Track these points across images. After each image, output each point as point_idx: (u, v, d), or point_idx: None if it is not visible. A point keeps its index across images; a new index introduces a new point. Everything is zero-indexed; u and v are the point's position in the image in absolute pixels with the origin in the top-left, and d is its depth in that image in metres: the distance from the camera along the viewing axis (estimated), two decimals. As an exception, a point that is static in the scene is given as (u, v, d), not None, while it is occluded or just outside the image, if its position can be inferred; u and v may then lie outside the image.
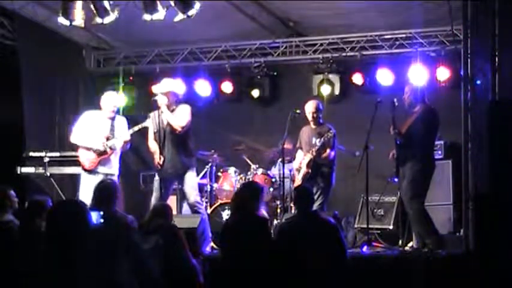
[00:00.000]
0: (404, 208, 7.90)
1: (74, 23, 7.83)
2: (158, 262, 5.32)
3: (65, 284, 3.87)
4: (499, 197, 6.67)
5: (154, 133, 7.99)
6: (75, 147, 8.48)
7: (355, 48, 10.00)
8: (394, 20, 9.50)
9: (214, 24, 9.76)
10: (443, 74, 9.28)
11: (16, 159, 9.16)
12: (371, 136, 7.84)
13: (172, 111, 7.97)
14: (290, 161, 9.04)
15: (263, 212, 6.95)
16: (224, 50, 10.57)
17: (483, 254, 6.61)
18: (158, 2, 7.54)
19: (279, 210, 8.91)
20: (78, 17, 7.70)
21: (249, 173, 9.46)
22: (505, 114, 6.87)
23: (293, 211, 8.26)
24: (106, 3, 7.64)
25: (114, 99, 8.47)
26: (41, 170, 9.02)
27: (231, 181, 9.50)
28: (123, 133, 8.31)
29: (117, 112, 8.58)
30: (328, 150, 8.38)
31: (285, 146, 8.65)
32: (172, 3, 7.48)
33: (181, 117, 7.95)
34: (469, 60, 7.22)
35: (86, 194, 7.70)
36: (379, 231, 8.94)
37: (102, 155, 8.20)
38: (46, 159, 8.98)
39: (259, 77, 10.51)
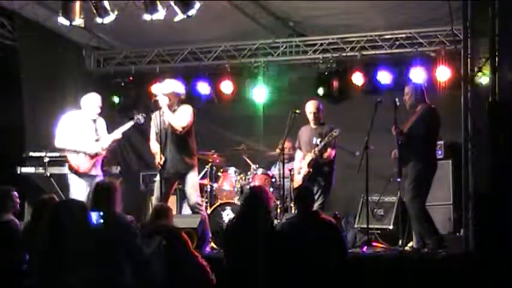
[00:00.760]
0: (404, 208, 7.90)
1: (74, 23, 7.82)
2: (162, 264, 5.31)
3: (65, 284, 3.87)
4: (499, 197, 6.66)
5: (156, 134, 7.99)
6: (62, 151, 8.49)
7: (355, 48, 10.00)
8: (394, 20, 9.50)
9: (214, 24, 9.76)
10: (443, 74, 9.28)
11: (16, 159, 9.16)
12: (371, 136, 7.84)
13: (174, 111, 7.97)
14: (290, 161, 9.04)
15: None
16: (224, 50, 10.56)
17: (483, 254, 6.61)
18: (158, 2, 7.53)
19: (279, 210, 8.91)
20: (78, 17, 7.70)
21: (249, 173, 9.46)
22: (505, 114, 6.86)
23: (293, 211, 8.27)
24: (106, 3, 7.64)
25: (97, 100, 8.46)
26: (41, 170, 9.01)
27: (231, 181, 9.50)
28: (106, 134, 8.39)
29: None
30: (329, 150, 8.39)
31: (285, 145, 8.65)
32: (172, 3, 7.47)
33: (182, 118, 7.95)
34: (469, 60, 7.22)
35: (78, 196, 7.72)
36: (379, 231, 8.93)
37: (95, 157, 8.24)
38: (46, 159, 8.98)
39: (259, 77, 10.51)
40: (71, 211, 4.02)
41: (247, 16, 9.63)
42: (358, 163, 7.87)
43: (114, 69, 11.06)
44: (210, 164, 9.76)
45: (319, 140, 8.37)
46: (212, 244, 8.19)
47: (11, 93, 9.61)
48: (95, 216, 4.95)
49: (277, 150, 8.82)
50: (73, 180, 8.25)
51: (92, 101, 8.39)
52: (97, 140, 8.29)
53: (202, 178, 9.52)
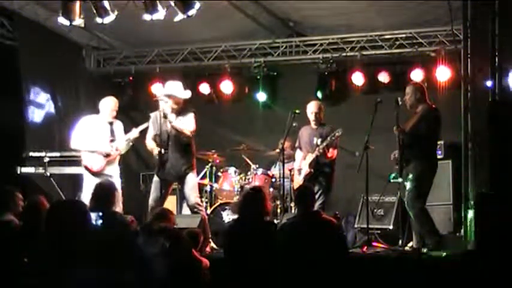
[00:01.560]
0: (404, 208, 7.90)
1: (74, 23, 7.82)
2: (165, 265, 5.31)
3: (64, 284, 3.87)
4: (499, 197, 6.66)
5: (156, 135, 7.96)
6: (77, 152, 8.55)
7: (355, 48, 10.00)
8: (394, 20, 9.51)
9: (214, 24, 9.77)
10: (443, 74, 9.28)
11: (16, 159, 9.16)
12: (371, 136, 7.83)
13: (177, 113, 7.94)
14: (290, 161, 9.04)
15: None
16: (224, 50, 10.57)
17: (483, 254, 6.61)
18: (158, 2, 7.53)
19: (279, 210, 8.91)
20: (78, 17, 7.70)
21: (249, 173, 9.46)
22: (505, 114, 6.87)
23: (293, 211, 8.27)
24: (106, 3, 7.64)
25: (113, 103, 8.49)
26: (41, 170, 9.03)
27: (231, 181, 9.51)
28: (123, 135, 8.45)
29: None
30: (331, 150, 8.39)
31: (285, 145, 8.64)
32: (172, 3, 7.47)
33: (189, 122, 7.96)
34: (469, 60, 7.22)
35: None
36: (379, 231, 8.93)
37: (109, 157, 8.30)
38: (46, 159, 9.00)
39: (258, 77, 10.52)
40: (70, 211, 4.01)
41: (247, 16, 9.64)
42: (358, 163, 7.86)
43: (114, 69, 11.08)
44: (210, 164, 9.76)
45: (319, 140, 8.37)
46: (212, 244, 8.19)
47: (11, 93, 9.62)
48: (94, 217, 4.96)
49: (277, 150, 8.82)
50: (86, 180, 8.30)
51: (107, 104, 8.47)
52: (112, 141, 8.36)
53: (202, 178, 9.53)
